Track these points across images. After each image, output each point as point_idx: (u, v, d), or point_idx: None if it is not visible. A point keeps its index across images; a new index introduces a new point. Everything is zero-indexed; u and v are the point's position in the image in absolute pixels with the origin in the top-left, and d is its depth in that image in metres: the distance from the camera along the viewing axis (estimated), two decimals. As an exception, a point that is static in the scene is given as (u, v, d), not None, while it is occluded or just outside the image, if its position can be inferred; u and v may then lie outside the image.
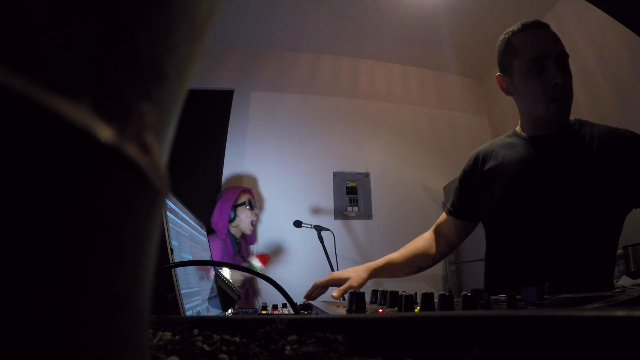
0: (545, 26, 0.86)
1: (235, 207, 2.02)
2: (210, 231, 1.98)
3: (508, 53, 0.90)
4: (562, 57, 0.82)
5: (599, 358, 0.14)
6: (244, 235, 2.10)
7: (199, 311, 0.61)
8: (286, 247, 2.34)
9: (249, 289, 2.03)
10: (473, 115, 2.97)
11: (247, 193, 2.10)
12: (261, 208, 2.37)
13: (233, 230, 2.04)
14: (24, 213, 0.07)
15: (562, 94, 0.81)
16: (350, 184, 2.54)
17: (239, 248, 2.04)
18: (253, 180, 2.45)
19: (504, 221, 0.88)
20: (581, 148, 0.83)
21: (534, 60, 0.82)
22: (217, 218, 2.00)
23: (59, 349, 0.07)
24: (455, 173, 2.37)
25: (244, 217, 2.02)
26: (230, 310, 0.91)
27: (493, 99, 2.97)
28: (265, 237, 2.35)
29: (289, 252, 2.33)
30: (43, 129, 0.07)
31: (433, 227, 1.10)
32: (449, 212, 1.03)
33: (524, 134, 0.91)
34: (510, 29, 0.91)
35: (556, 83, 0.80)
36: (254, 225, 2.07)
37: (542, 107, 0.83)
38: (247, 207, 2.03)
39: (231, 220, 2.01)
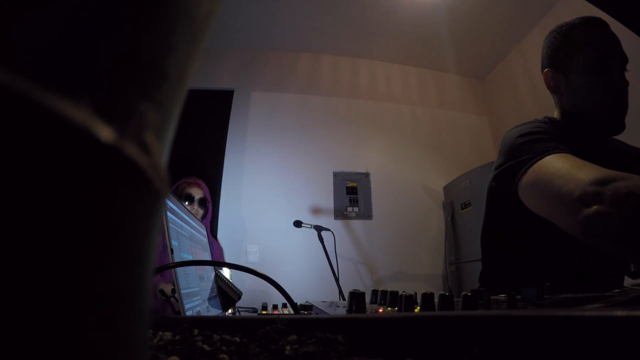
0: (608, 25, 0.80)
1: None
2: None
3: (567, 47, 0.80)
4: (624, 62, 0.77)
5: (599, 358, 0.14)
6: None
7: (199, 311, 0.61)
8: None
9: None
10: (473, 115, 2.97)
11: (192, 186, 1.94)
12: (211, 203, 2.21)
13: None
14: (23, 213, 0.07)
15: (624, 100, 0.76)
16: (350, 184, 2.54)
17: None
18: (253, 180, 2.45)
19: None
20: (619, 163, 0.78)
21: (600, 58, 0.75)
22: None
23: (58, 349, 0.07)
24: (456, 173, 2.39)
25: None
26: (230, 310, 0.91)
27: (493, 99, 2.97)
28: (264, 238, 2.35)
29: (287, 253, 2.33)
30: (43, 129, 0.07)
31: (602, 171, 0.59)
32: (568, 152, 0.68)
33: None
34: (568, 22, 0.82)
35: (620, 87, 0.75)
36: (195, 215, 1.96)
37: (601, 110, 0.76)
38: (186, 202, 1.87)
39: None
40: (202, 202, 1.98)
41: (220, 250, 2.17)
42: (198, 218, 1.97)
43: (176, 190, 1.95)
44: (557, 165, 0.62)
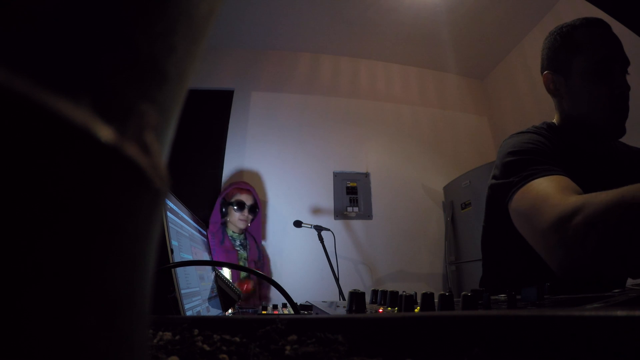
0: (609, 26, 0.78)
1: (226, 204, 1.98)
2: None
3: (567, 49, 0.79)
4: (626, 65, 0.76)
5: (599, 358, 0.14)
6: (246, 230, 2.05)
7: (199, 311, 0.61)
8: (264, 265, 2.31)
9: (261, 288, 2.00)
10: (473, 115, 2.97)
11: (243, 192, 2.02)
12: (260, 208, 2.27)
13: (229, 225, 2.01)
14: (24, 213, 0.07)
15: (625, 105, 0.75)
16: (350, 184, 2.54)
17: (240, 242, 1.99)
18: (253, 180, 2.45)
19: None
20: (620, 165, 0.79)
21: (601, 61, 0.74)
22: (214, 212, 1.99)
23: (58, 349, 0.07)
24: (456, 173, 2.39)
25: (231, 217, 1.98)
26: (230, 310, 0.91)
27: (493, 99, 2.97)
28: (264, 238, 2.35)
29: (287, 253, 2.33)
30: (43, 130, 0.07)
31: (569, 195, 0.59)
32: (559, 172, 0.66)
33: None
34: (569, 23, 0.80)
35: (622, 91, 0.74)
36: (244, 221, 2.00)
37: (603, 114, 0.75)
38: (235, 208, 1.96)
39: (224, 215, 1.98)
40: (252, 209, 2.04)
41: (267, 258, 2.19)
42: (248, 224, 2.02)
43: (226, 195, 2.01)
44: (531, 197, 0.64)
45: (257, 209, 2.07)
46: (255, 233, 2.12)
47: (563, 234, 0.55)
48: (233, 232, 2.00)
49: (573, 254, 0.55)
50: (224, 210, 1.99)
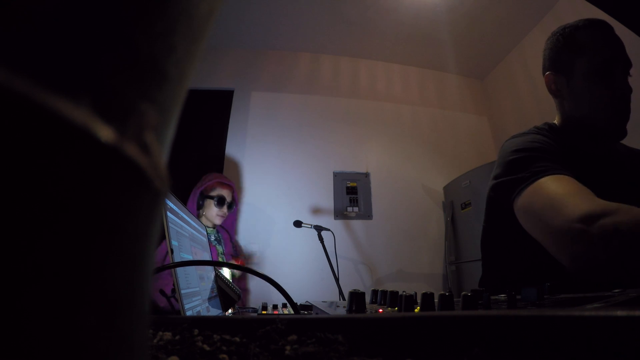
0: (612, 28, 0.78)
1: (204, 196, 1.89)
2: None
3: (570, 49, 0.79)
4: (628, 67, 0.76)
5: (599, 358, 0.14)
6: (220, 226, 1.98)
7: (199, 311, 0.61)
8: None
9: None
10: (473, 115, 2.97)
11: (225, 187, 1.94)
12: (237, 205, 2.17)
13: (203, 219, 1.91)
14: (23, 213, 0.07)
15: (627, 107, 0.75)
16: (350, 184, 2.54)
17: (215, 237, 1.92)
18: (253, 180, 2.45)
19: None
20: (622, 169, 0.79)
21: (604, 62, 0.74)
22: (190, 203, 1.90)
23: (58, 349, 0.07)
24: (456, 173, 2.40)
25: (208, 211, 1.89)
26: (230, 310, 0.91)
27: (493, 99, 2.97)
28: (264, 238, 2.35)
29: (287, 253, 2.33)
30: (43, 130, 0.07)
31: (594, 198, 0.59)
32: (569, 174, 0.65)
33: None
34: (571, 24, 0.80)
35: (624, 93, 0.74)
36: (222, 217, 1.91)
37: (604, 115, 0.75)
38: (215, 203, 1.87)
39: (200, 207, 1.89)
40: (230, 206, 1.97)
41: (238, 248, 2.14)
42: (223, 218, 1.94)
43: (206, 188, 1.91)
44: (548, 192, 0.63)
45: (234, 206, 2.01)
46: (229, 227, 2.06)
47: (588, 229, 0.54)
48: (207, 227, 1.92)
49: (593, 251, 0.53)
50: (200, 202, 1.90)
